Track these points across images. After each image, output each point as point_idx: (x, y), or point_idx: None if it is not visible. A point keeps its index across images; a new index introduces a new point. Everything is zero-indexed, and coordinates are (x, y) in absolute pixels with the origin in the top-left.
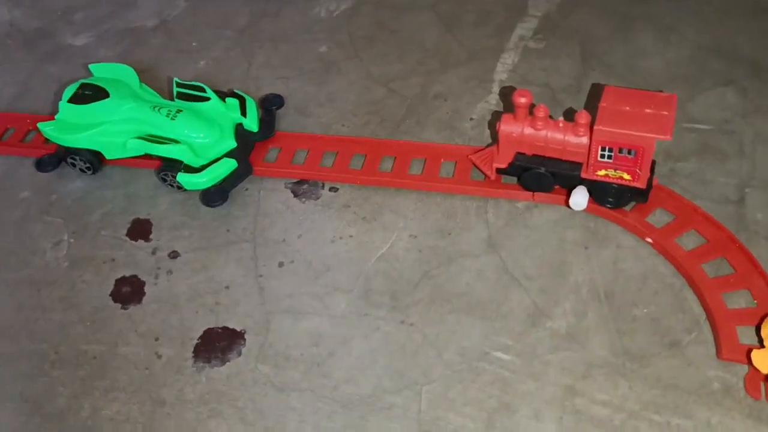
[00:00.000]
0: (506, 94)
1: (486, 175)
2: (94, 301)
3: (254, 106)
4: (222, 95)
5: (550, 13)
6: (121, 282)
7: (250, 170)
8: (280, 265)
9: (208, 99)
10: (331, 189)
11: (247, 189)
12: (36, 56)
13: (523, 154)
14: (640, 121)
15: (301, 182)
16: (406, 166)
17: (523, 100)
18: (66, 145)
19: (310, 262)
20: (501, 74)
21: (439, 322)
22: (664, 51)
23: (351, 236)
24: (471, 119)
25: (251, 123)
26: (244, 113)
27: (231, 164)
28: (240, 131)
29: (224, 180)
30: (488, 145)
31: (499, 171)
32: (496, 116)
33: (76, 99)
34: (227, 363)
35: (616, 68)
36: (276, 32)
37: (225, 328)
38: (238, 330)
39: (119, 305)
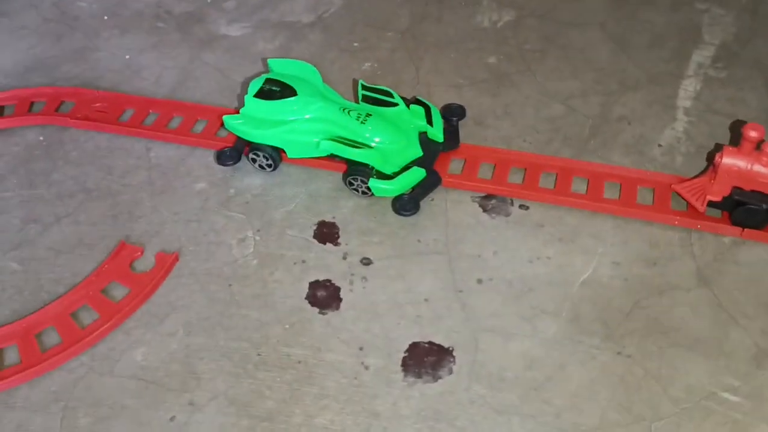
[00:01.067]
0: (693, 122)
1: (693, 207)
2: (290, 302)
3: (439, 115)
4: (405, 102)
5: (727, 41)
6: (315, 285)
7: (440, 181)
8: (479, 281)
9: (394, 105)
10: (521, 206)
11: (433, 199)
12: (191, 42)
13: (740, 188)
14: None
15: (488, 197)
16: (601, 189)
17: (754, 134)
18: (251, 140)
19: (510, 281)
20: (684, 101)
21: (658, 357)
22: None
23: (549, 257)
24: (659, 146)
25: (437, 132)
26: (429, 122)
27: (421, 173)
28: (423, 140)
29: (414, 189)
30: (695, 176)
31: (710, 204)
32: (681, 143)
33: (262, 94)
34: (439, 380)
35: None
36: (440, 37)
37: (431, 343)
38: (446, 346)
39: (317, 309)
